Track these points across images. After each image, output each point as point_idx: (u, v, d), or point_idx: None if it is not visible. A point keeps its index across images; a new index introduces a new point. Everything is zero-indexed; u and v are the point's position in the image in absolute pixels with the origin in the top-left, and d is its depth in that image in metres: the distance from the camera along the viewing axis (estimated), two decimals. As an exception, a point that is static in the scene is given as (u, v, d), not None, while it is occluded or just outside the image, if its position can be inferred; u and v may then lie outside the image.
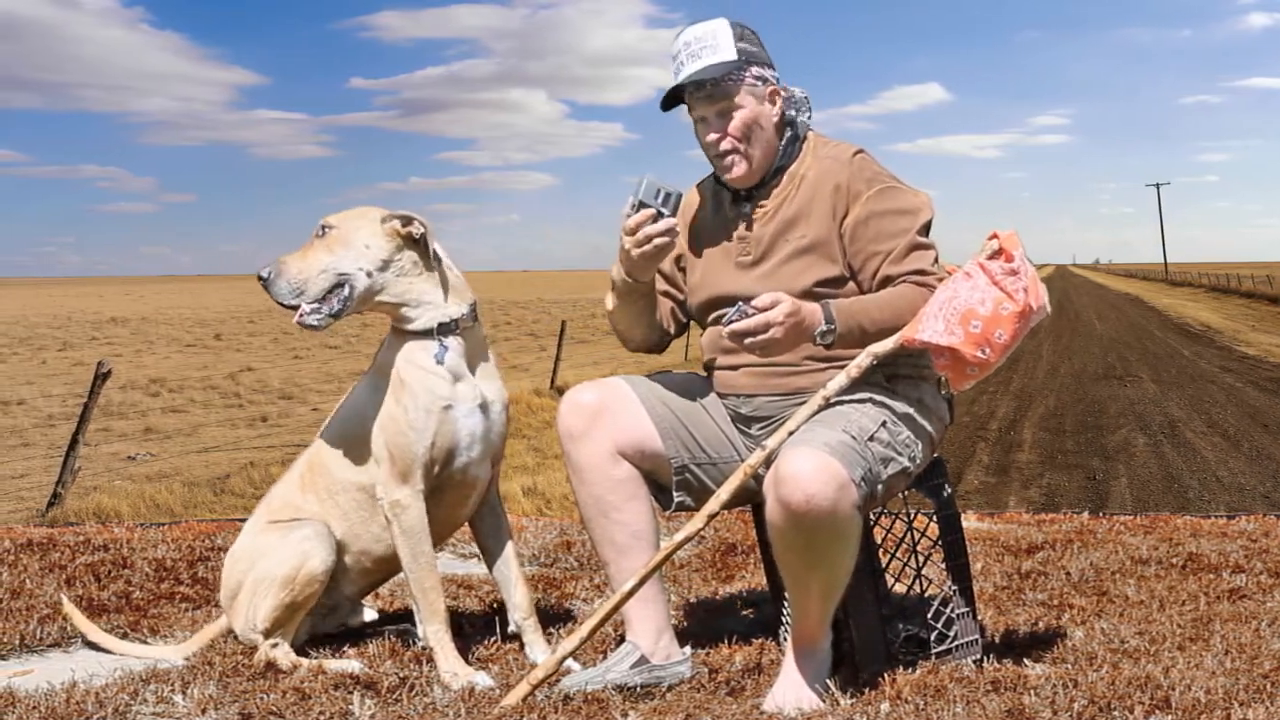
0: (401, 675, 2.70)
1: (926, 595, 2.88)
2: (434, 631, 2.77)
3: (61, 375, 22.60)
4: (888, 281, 2.64)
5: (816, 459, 2.38)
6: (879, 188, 2.68)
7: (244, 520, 3.10)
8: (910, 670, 2.63)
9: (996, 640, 3.02)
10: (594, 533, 2.77)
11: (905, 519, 2.94)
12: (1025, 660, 2.80)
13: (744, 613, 3.41)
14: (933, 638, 2.77)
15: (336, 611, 3.05)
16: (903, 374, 2.67)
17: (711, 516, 2.53)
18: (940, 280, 2.59)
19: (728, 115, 2.70)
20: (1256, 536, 4.31)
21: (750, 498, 2.74)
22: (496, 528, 2.99)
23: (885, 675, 2.58)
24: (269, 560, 2.86)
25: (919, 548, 2.94)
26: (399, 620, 3.22)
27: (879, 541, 2.90)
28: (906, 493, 2.76)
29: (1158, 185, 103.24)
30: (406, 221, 2.78)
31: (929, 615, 2.78)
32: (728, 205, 2.82)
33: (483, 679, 2.69)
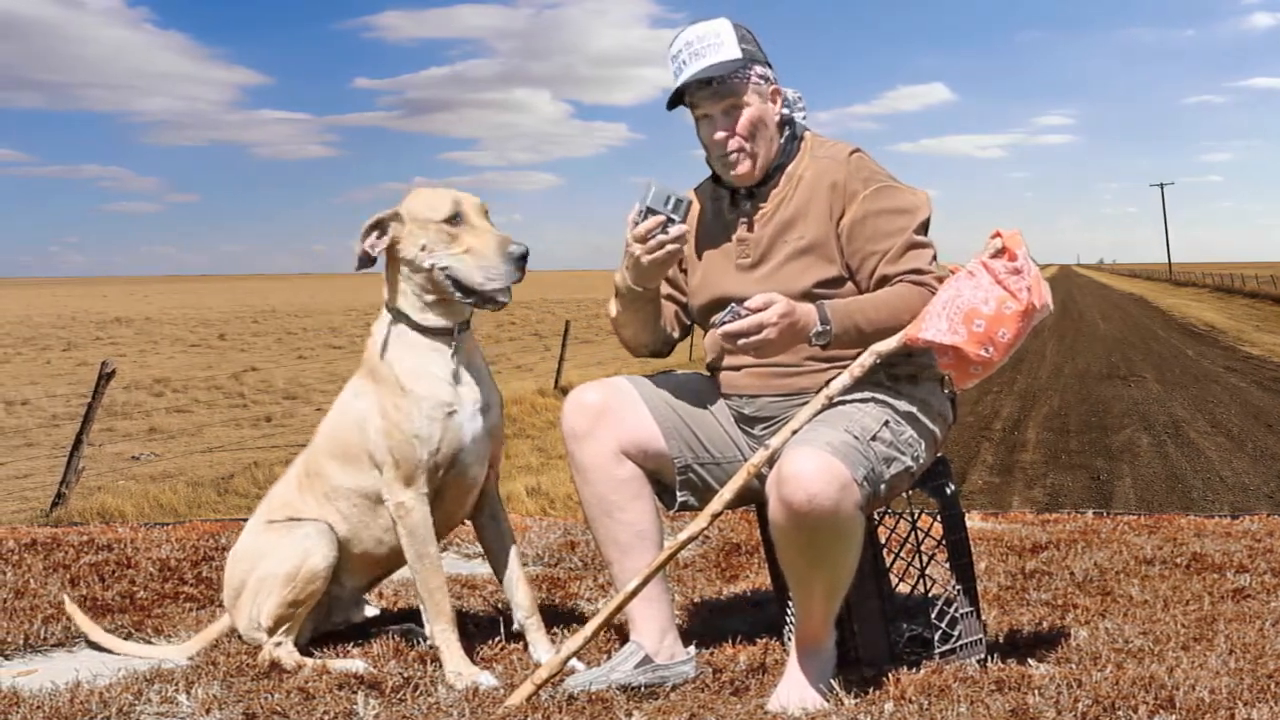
0: (405, 675, 2.70)
1: (930, 595, 2.87)
2: (440, 630, 2.77)
3: (65, 375, 22.62)
4: (885, 281, 2.64)
5: (819, 459, 2.38)
6: (876, 186, 2.68)
7: (247, 520, 3.11)
8: (914, 670, 2.62)
9: (1000, 640, 3.02)
10: (598, 532, 2.78)
11: (909, 519, 2.94)
12: (1029, 660, 2.80)
13: (748, 612, 3.41)
14: (937, 637, 2.77)
15: (339, 607, 3.05)
16: (906, 373, 2.67)
17: (715, 516, 2.53)
18: (938, 279, 2.59)
19: (734, 113, 2.70)
20: (1260, 536, 4.30)
21: (754, 497, 2.74)
22: (498, 528, 2.99)
23: (889, 675, 2.58)
24: (271, 559, 2.87)
25: (923, 547, 2.94)
26: (402, 619, 3.22)
27: (883, 541, 2.91)
28: (910, 492, 2.76)
29: (1162, 185, 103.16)
30: None
31: (933, 615, 2.78)
32: (726, 208, 2.82)
33: (487, 679, 2.69)
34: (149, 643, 3.15)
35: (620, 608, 2.58)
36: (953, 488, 2.84)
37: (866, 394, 2.59)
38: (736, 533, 4.53)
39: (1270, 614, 3.17)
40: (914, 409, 2.63)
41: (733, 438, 2.80)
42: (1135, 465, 11.63)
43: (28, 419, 16.21)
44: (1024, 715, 2.33)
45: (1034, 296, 2.49)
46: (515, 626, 2.93)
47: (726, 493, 2.53)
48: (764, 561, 3.39)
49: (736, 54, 2.69)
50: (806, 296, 2.62)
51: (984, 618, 2.96)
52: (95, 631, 3.11)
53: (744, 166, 2.72)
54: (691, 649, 2.76)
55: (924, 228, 2.68)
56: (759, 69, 2.72)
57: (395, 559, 2.93)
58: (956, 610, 2.79)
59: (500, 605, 3.43)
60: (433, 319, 2.80)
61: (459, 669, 2.72)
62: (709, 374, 2.89)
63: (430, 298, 2.79)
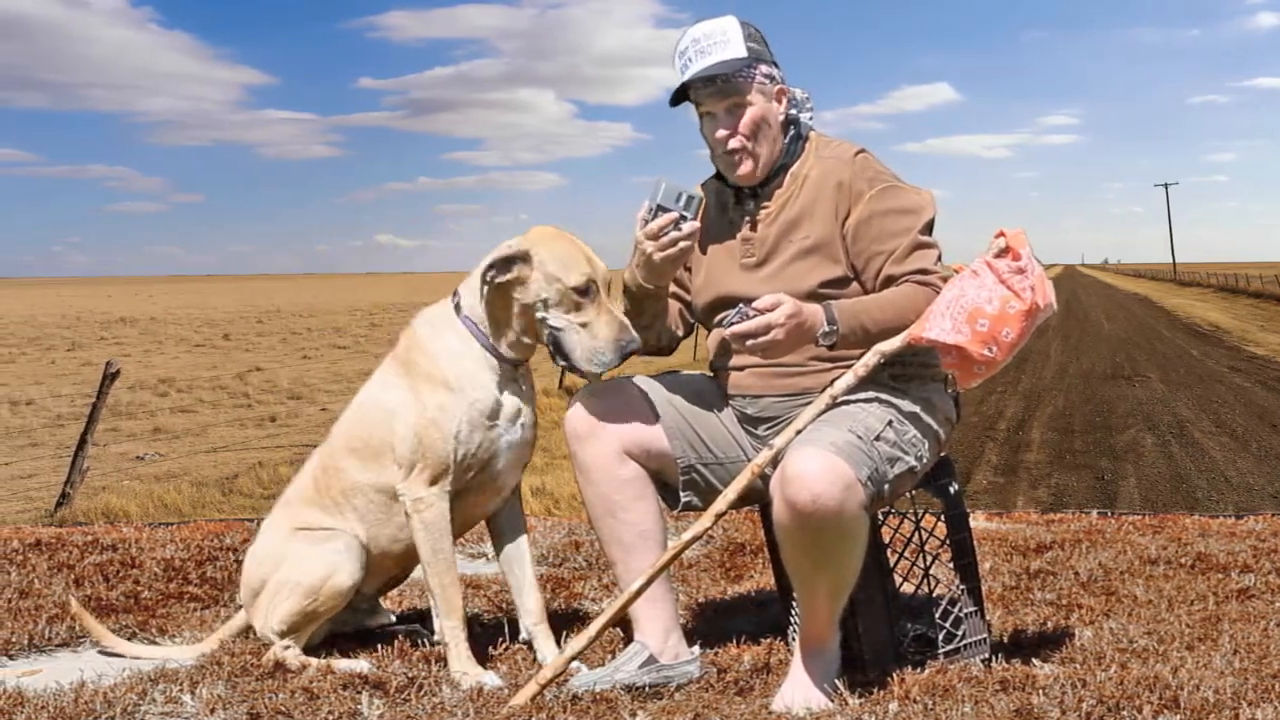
0: (410, 675, 2.70)
1: (935, 595, 2.87)
2: (450, 627, 2.77)
3: (70, 375, 22.64)
4: (890, 281, 2.64)
5: (823, 459, 2.38)
6: (881, 187, 2.68)
7: (252, 520, 3.09)
8: (919, 670, 2.62)
9: (1005, 640, 3.02)
10: (601, 532, 2.78)
11: (913, 518, 2.94)
12: (1034, 660, 2.80)
13: (752, 612, 3.41)
14: (941, 637, 2.77)
15: (354, 613, 3.03)
16: (909, 373, 2.67)
17: (719, 516, 2.53)
18: (943, 279, 2.59)
19: (737, 112, 2.70)
20: (1265, 536, 4.30)
21: (758, 497, 2.74)
22: (516, 535, 2.96)
23: (894, 675, 2.57)
24: (296, 566, 2.84)
25: (927, 547, 2.94)
26: (407, 621, 3.22)
27: (887, 541, 2.90)
28: (915, 492, 2.76)
29: (1166, 185, 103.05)
30: None
31: (937, 615, 2.77)
32: (731, 206, 2.82)
33: (491, 679, 2.69)
34: (154, 643, 3.16)
35: (624, 607, 2.58)
36: (956, 487, 2.84)
37: (870, 394, 2.59)
38: (741, 532, 4.52)
39: (1275, 614, 3.17)
40: (918, 408, 2.63)
41: (736, 438, 2.80)
42: (1140, 465, 11.61)
43: (32, 419, 16.23)
44: (1028, 715, 2.33)
45: (1038, 296, 2.49)
46: (523, 635, 2.92)
47: (730, 493, 2.53)
48: (768, 561, 3.39)
49: (742, 52, 2.69)
50: (811, 296, 2.62)
51: (988, 618, 2.96)
52: (107, 636, 3.09)
53: (745, 167, 2.72)
54: (696, 649, 2.76)
55: (929, 228, 2.68)
56: (764, 68, 2.72)
57: (410, 560, 2.92)
58: (961, 610, 2.79)
59: (505, 605, 3.43)
60: (508, 351, 2.80)
61: (464, 669, 2.71)
62: (712, 374, 2.89)
63: (521, 337, 2.78)
